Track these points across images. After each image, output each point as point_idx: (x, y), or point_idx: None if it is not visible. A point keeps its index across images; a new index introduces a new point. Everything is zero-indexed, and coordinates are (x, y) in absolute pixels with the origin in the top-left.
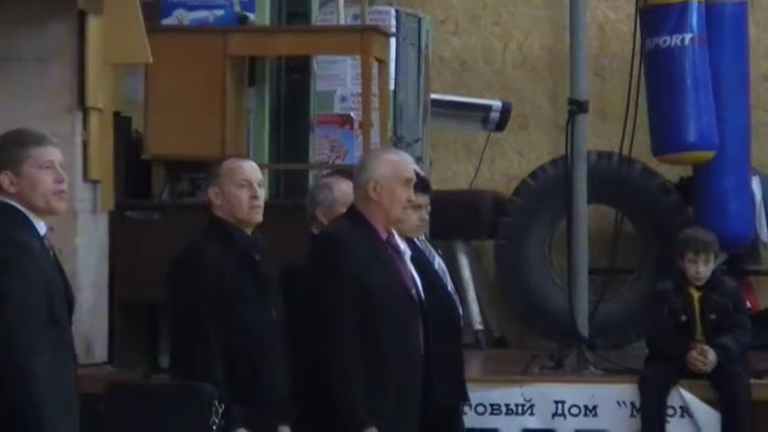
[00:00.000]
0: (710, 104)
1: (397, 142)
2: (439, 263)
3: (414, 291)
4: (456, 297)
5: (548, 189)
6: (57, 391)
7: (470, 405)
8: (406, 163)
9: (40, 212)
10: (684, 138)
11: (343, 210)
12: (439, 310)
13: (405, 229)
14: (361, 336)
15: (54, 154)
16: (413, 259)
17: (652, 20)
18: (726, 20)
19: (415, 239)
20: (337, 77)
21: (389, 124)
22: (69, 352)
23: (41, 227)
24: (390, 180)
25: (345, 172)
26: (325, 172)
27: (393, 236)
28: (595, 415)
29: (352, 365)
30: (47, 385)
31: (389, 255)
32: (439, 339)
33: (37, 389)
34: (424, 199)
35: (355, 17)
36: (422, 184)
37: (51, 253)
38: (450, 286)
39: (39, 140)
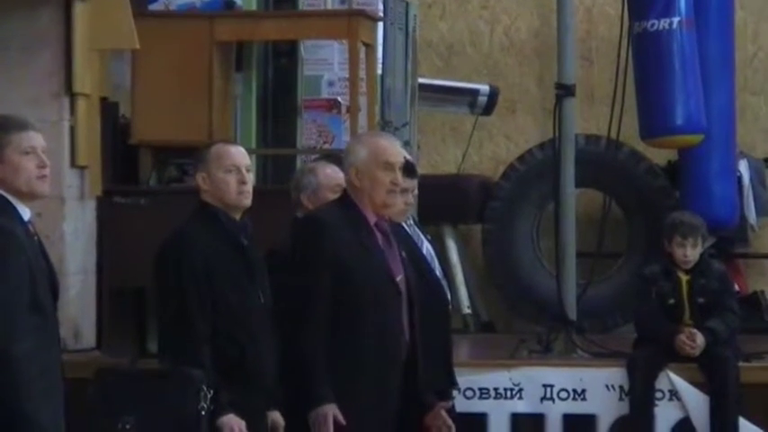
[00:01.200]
0: (698, 88)
1: (385, 127)
2: (427, 248)
3: (401, 276)
4: (444, 282)
5: (535, 173)
6: (39, 376)
7: (459, 390)
8: (388, 146)
9: (24, 198)
10: (672, 121)
11: (328, 195)
12: (426, 296)
13: (391, 214)
14: (338, 317)
15: (36, 139)
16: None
17: (639, 3)
18: (713, 3)
19: (404, 224)
20: (325, 62)
21: (377, 109)
22: (54, 337)
23: (26, 213)
24: (370, 165)
25: (331, 157)
26: (312, 157)
27: (383, 220)
28: (584, 399)
29: (318, 344)
30: (29, 370)
31: (375, 240)
32: (426, 325)
33: (19, 373)
34: (410, 183)
35: (342, 1)
36: (408, 169)
37: (36, 239)
38: (438, 271)
39: (21, 126)
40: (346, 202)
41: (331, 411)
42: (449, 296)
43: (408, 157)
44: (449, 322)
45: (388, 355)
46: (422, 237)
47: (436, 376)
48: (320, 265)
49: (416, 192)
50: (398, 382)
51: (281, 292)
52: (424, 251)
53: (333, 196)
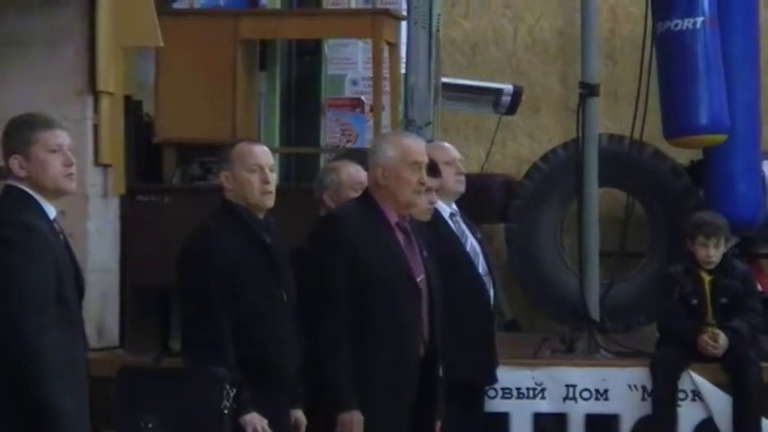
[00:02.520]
0: (722, 87)
1: (408, 125)
2: (472, 243)
3: (421, 277)
4: (489, 279)
5: (559, 172)
6: (64, 369)
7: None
8: (414, 145)
9: (50, 195)
10: (696, 121)
11: (351, 193)
12: (466, 293)
13: (415, 213)
14: (355, 315)
15: (62, 137)
16: (428, 243)
17: (663, 3)
18: (736, 2)
19: (449, 220)
20: (348, 61)
21: (400, 108)
22: (79, 334)
23: (51, 211)
24: (397, 164)
25: (353, 155)
26: (335, 155)
27: (405, 220)
28: (606, 398)
29: (341, 344)
30: (54, 363)
31: (395, 238)
32: (466, 321)
33: (44, 365)
34: (433, 182)
35: (366, 0)
36: (431, 168)
37: (62, 237)
38: (482, 268)
39: (47, 124)
40: (367, 200)
41: (359, 420)
42: (491, 293)
43: (457, 154)
44: (490, 319)
45: (405, 353)
46: (467, 233)
47: (475, 372)
48: (338, 262)
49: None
50: (415, 381)
51: (304, 294)
52: (468, 247)
53: (355, 195)
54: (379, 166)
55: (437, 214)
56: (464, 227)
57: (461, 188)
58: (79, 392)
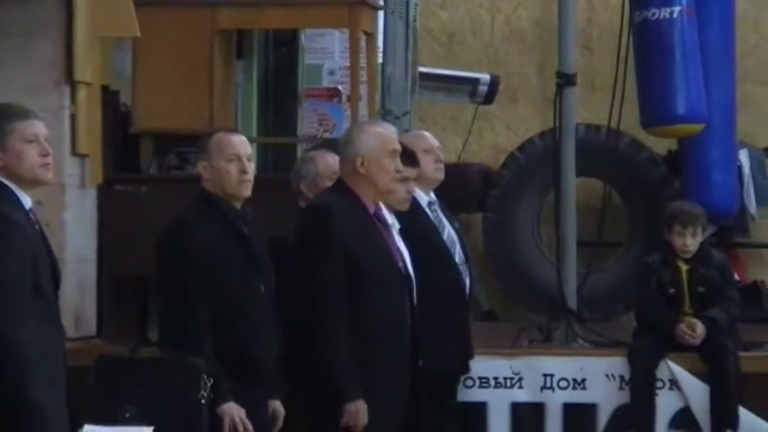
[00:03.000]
0: (699, 77)
1: (386, 116)
2: (449, 233)
3: (401, 264)
4: (466, 268)
5: (536, 162)
6: (42, 362)
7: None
8: (391, 134)
9: (27, 185)
10: (673, 110)
11: (328, 183)
12: (442, 282)
13: (393, 202)
14: (351, 307)
15: (39, 127)
16: (404, 231)
17: None
18: None
19: (428, 209)
20: (325, 51)
21: (377, 97)
22: (56, 324)
23: (27, 201)
24: (377, 153)
25: (331, 145)
26: (312, 145)
27: (381, 209)
28: (584, 388)
29: (341, 337)
30: (32, 355)
31: (377, 228)
32: (442, 311)
33: (22, 358)
34: (411, 172)
35: None
36: (409, 157)
37: (37, 227)
38: (459, 257)
39: (23, 115)
40: (343, 190)
41: (364, 408)
42: (467, 283)
43: (436, 143)
44: (465, 308)
45: (396, 343)
46: (444, 222)
47: (449, 361)
48: (333, 256)
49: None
50: (406, 369)
51: (295, 287)
52: (445, 236)
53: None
54: (358, 155)
55: (415, 203)
56: (442, 216)
57: (441, 176)
58: (57, 384)
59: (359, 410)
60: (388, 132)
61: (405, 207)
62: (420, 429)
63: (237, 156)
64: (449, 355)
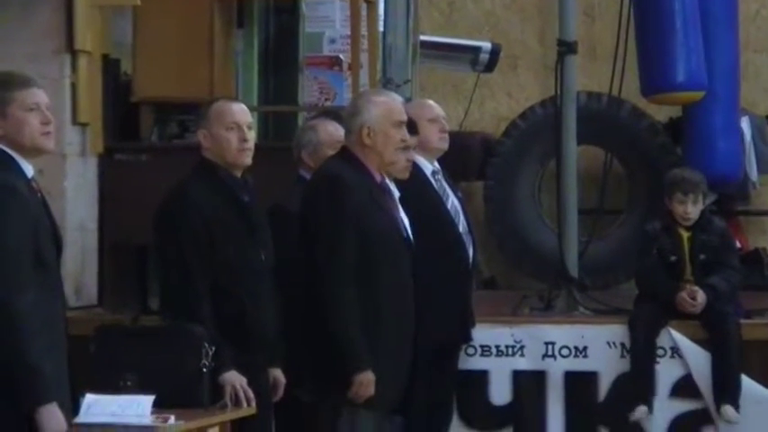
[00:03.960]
0: (699, 45)
1: (387, 84)
2: (452, 202)
3: (405, 232)
4: (469, 237)
5: (537, 130)
6: (43, 330)
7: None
8: (397, 105)
9: (28, 153)
10: (674, 78)
11: (329, 152)
12: (446, 251)
13: (393, 171)
14: (360, 277)
15: (40, 96)
16: (407, 200)
17: None
18: None
19: (432, 178)
20: (326, 19)
21: (378, 66)
22: (57, 293)
23: (29, 169)
24: (383, 123)
25: (332, 113)
26: (313, 114)
27: (385, 179)
28: (585, 356)
29: (351, 306)
30: (32, 323)
31: (384, 197)
32: (445, 280)
33: (22, 325)
34: (412, 140)
35: None
36: (409, 126)
37: (39, 195)
38: (462, 226)
39: (24, 83)
40: (350, 159)
41: (372, 380)
42: (470, 252)
43: (441, 112)
44: (468, 278)
45: (403, 312)
46: (448, 191)
47: (451, 331)
48: (346, 225)
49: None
50: (411, 337)
51: (304, 255)
52: (449, 206)
53: (333, 153)
54: (365, 125)
55: (419, 172)
56: (445, 185)
57: (445, 146)
58: (58, 353)
59: (369, 381)
60: (394, 103)
61: (405, 175)
62: (420, 396)
63: (237, 124)
64: (450, 324)
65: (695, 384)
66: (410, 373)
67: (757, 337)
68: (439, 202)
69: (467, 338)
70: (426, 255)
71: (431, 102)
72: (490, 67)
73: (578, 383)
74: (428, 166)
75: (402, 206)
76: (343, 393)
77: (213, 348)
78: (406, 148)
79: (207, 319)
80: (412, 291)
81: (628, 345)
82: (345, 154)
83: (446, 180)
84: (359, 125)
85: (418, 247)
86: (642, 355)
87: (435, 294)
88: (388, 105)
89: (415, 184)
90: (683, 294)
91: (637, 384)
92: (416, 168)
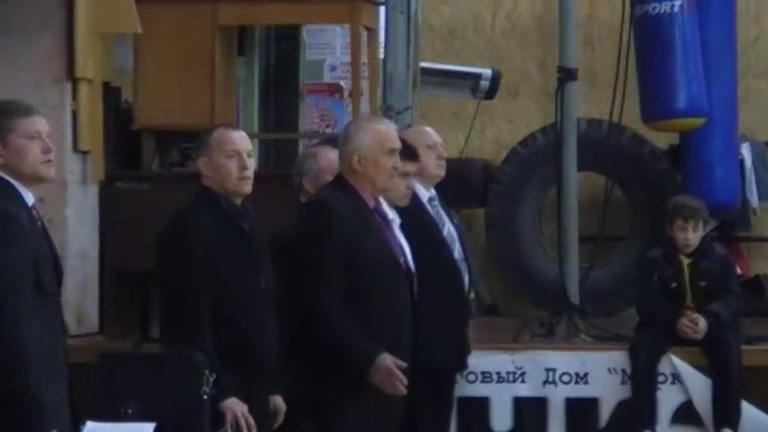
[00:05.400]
0: (700, 71)
1: (387, 111)
2: (449, 229)
3: (402, 259)
4: (464, 264)
5: (538, 157)
6: (45, 359)
7: (461, 374)
8: (389, 132)
9: (29, 182)
10: (674, 105)
11: (330, 179)
12: (441, 278)
13: (393, 198)
14: (353, 303)
15: (41, 124)
16: (405, 226)
17: None
18: None
19: (428, 204)
20: (327, 46)
21: (379, 93)
22: (58, 321)
23: (29, 198)
24: (374, 151)
25: (332, 141)
26: (314, 141)
27: (380, 204)
28: (586, 382)
29: (341, 316)
30: (35, 352)
31: (378, 223)
32: (440, 306)
33: (24, 355)
34: (412, 167)
35: None
36: (409, 153)
37: (40, 223)
38: (458, 253)
39: (25, 111)
40: (343, 186)
41: (389, 360)
42: (466, 278)
43: (438, 138)
44: (464, 304)
45: (399, 339)
46: (444, 218)
47: (446, 358)
48: (333, 249)
49: (443, 173)
50: (409, 361)
51: (290, 280)
52: (445, 232)
53: None
54: (355, 152)
55: (415, 198)
56: (442, 212)
57: (442, 173)
58: (59, 381)
59: (388, 364)
60: (386, 129)
61: (405, 202)
62: (418, 425)
63: (237, 152)
64: (446, 350)
65: (696, 410)
66: (409, 400)
67: (758, 364)
68: (435, 228)
69: (462, 365)
70: (422, 281)
71: (428, 128)
72: (491, 94)
73: (579, 410)
74: (425, 193)
75: (403, 233)
76: (343, 419)
77: (214, 376)
78: (405, 175)
79: (208, 347)
80: (409, 317)
81: (629, 371)
82: (338, 181)
83: (442, 207)
84: (349, 152)
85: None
86: (642, 381)
87: (430, 321)
88: (379, 132)
89: (411, 211)
90: (684, 321)
91: (639, 411)
92: (413, 195)
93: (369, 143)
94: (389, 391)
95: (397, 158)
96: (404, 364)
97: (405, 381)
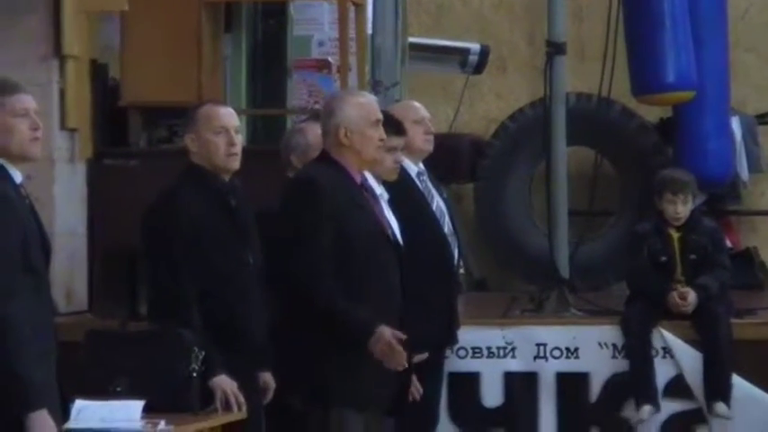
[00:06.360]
0: (689, 44)
1: (375, 86)
2: (438, 204)
3: (390, 233)
4: (454, 239)
5: (527, 131)
6: (33, 337)
7: (451, 349)
8: (372, 104)
9: (16, 160)
10: (664, 78)
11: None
12: (431, 253)
13: (381, 172)
14: (343, 279)
15: (28, 102)
16: (393, 201)
17: None
18: None
19: (417, 179)
20: (314, 22)
21: (367, 68)
22: (46, 299)
23: (17, 175)
24: (360, 123)
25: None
26: (302, 117)
27: (366, 179)
28: (577, 357)
29: (333, 288)
30: (23, 330)
31: (366, 198)
32: (430, 281)
33: (13, 333)
34: (399, 141)
35: None
36: (396, 127)
37: (28, 201)
38: (447, 228)
39: (13, 89)
40: (328, 161)
41: (388, 332)
42: (455, 253)
43: (426, 113)
44: (453, 279)
45: (390, 313)
46: (433, 193)
47: (436, 332)
48: (321, 224)
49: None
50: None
51: (278, 255)
52: (434, 207)
53: None
54: (341, 126)
55: (404, 173)
56: (431, 186)
57: (430, 147)
58: (47, 360)
59: (386, 335)
60: (368, 102)
61: (393, 177)
62: (407, 400)
63: (225, 128)
64: (436, 325)
65: (687, 384)
66: (401, 373)
67: (748, 337)
68: (424, 203)
69: (452, 340)
70: (411, 256)
71: (416, 103)
72: (479, 68)
73: (570, 384)
74: (413, 168)
75: (392, 208)
76: (334, 394)
77: (203, 353)
78: (392, 149)
79: (196, 324)
80: (399, 291)
81: (619, 345)
82: (324, 156)
83: (431, 181)
84: (335, 126)
85: (404, 248)
86: (638, 354)
87: (420, 296)
88: (363, 105)
89: (400, 186)
90: (674, 295)
91: (638, 385)
92: (401, 170)
93: (354, 116)
94: (390, 364)
95: (382, 130)
96: (403, 336)
97: (404, 354)
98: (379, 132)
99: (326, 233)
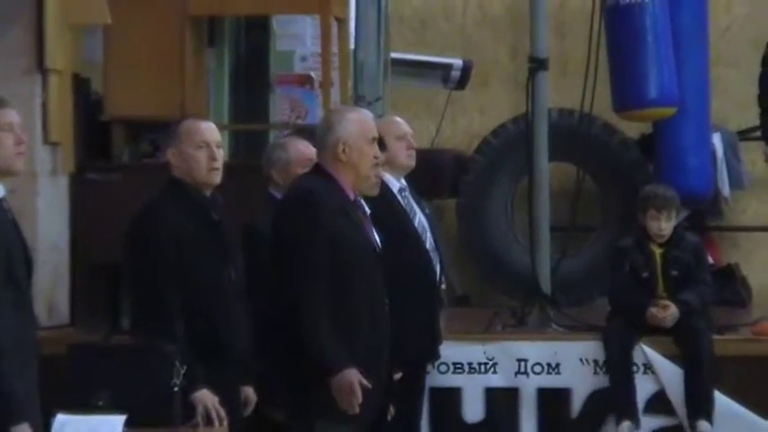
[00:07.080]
0: (671, 60)
1: (358, 101)
2: (420, 219)
3: (378, 249)
4: (436, 254)
5: (509, 147)
6: (14, 351)
7: (433, 364)
8: (370, 121)
9: (0, 174)
10: (645, 94)
11: (299, 170)
12: (413, 268)
13: (364, 188)
14: (334, 292)
15: (12, 116)
16: (375, 216)
17: None
18: None
19: (399, 195)
20: (297, 37)
21: (349, 83)
22: (28, 313)
23: (0, 190)
24: (358, 139)
25: (302, 132)
26: (285, 132)
27: (358, 196)
28: (558, 372)
29: (322, 317)
30: (4, 344)
31: (358, 214)
32: (412, 296)
33: None
34: (380, 156)
35: None
36: (378, 143)
37: (10, 215)
38: (429, 243)
39: None
40: (324, 176)
41: (356, 376)
42: (437, 269)
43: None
44: (436, 294)
45: (377, 328)
46: (415, 208)
47: (418, 348)
48: (321, 238)
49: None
50: (386, 353)
51: (275, 270)
52: (416, 223)
53: (303, 171)
54: (340, 141)
55: (386, 189)
56: (413, 202)
57: (412, 163)
58: (29, 374)
59: (348, 382)
60: (367, 119)
61: (374, 192)
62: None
63: (206, 143)
64: (418, 340)
65: (668, 400)
66: (385, 388)
67: (730, 353)
68: (406, 219)
69: (434, 355)
70: (393, 271)
71: (398, 119)
72: (462, 83)
73: (551, 400)
74: (395, 183)
75: (373, 223)
76: (318, 408)
77: (185, 367)
78: (376, 165)
79: (178, 338)
80: (386, 307)
81: (601, 361)
82: (319, 170)
83: (413, 197)
84: (333, 141)
85: (386, 263)
86: (619, 370)
87: (402, 311)
88: (362, 122)
89: (382, 201)
90: (653, 309)
91: (617, 400)
92: (383, 185)
93: (354, 132)
94: (343, 404)
95: (377, 148)
96: (369, 385)
97: (360, 400)
98: (375, 150)
99: (324, 250)
